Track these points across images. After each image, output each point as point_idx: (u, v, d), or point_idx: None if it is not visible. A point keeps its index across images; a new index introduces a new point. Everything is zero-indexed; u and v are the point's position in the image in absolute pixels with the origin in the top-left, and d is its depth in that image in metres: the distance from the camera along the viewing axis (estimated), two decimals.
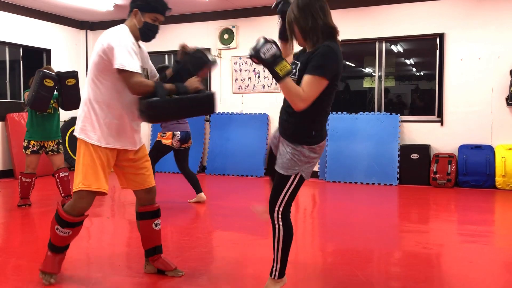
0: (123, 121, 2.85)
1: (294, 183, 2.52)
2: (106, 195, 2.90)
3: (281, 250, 2.59)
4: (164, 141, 5.46)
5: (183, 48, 3.14)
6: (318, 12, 2.38)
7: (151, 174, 3.05)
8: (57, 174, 5.37)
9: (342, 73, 2.47)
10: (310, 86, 2.32)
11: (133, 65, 2.72)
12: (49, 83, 4.87)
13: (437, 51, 7.37)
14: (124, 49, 2.72)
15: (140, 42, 3.01)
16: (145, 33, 2.95)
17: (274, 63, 2.29)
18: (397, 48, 8.12)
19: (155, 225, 3.07)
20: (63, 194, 5.39)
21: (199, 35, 8.84)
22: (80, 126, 2.84)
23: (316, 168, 7.97)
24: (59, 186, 5.37)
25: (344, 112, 7.82)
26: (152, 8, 2.89)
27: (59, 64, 8.61)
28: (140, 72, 2.76)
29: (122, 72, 2.70)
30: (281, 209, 2.56)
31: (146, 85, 2.75)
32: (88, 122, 2.83)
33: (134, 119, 2.90)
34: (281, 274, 2.65)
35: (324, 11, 2.40)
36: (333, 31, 2.41)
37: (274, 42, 2.34)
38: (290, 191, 2.54)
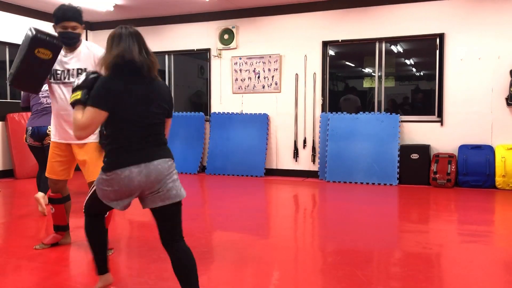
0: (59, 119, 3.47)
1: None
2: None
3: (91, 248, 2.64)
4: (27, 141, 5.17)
5: None
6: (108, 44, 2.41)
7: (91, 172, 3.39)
8: None
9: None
10: (85, 115, 2.29)
11: None
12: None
13: (437, 51, 7.37)
14: None
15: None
16: (63, 41, 3.38)
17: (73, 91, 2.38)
18: (397, 48, 8.12)
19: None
20: None
21: (199, 35, 8.84)
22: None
23: (316, 168, 7.98)
24: None
25: (344, 112, 7.82)
26: (58, 18, 3.36)
27: None
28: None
29: None
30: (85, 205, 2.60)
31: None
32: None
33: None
34: (99, 271, 2.67)
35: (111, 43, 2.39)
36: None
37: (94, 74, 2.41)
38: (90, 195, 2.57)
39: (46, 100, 5.08)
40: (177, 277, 2.38)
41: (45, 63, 3.27)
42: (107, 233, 2.68)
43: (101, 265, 2.67)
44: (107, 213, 2.79)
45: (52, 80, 3.45)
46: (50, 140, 4.88)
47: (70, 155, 3.53)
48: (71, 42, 3.40)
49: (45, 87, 5.11)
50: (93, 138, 3.30)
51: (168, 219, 2.43)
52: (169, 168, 2.39)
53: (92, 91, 2.30)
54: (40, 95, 5.12)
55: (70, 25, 3.33)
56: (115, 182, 2.32)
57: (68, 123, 3.38)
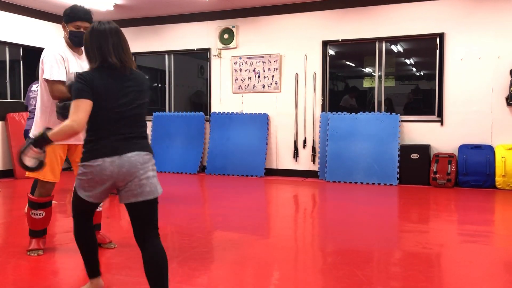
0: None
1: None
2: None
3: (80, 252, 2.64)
4: None
5: None
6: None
7: None
8: None
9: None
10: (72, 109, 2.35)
11: (55, 75, 3.30)
12: None
13: (437, 51, 7.37)
14: (48, 61, 3.36)
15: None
16: (73, 40, 3.43)
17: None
18: (397, 48, 8.12)
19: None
20: None
21: (199, 35, 8.84)
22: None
23: (316, 168, 7.98)
24: None
25: (344, 112, 7.82)
26: (71, 18, 3.40)
27: None
28: (62, 80, 3.26)
29: (46, 81, 3.33)
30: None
31: (62, 91, 3.22)
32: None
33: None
34: (90, 275, 2.67)
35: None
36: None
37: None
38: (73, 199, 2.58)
39: (35, 102, 5.01)
40: (146, 277, 2.36)
41: None
42: (95, 236, 2.67)
43: (91, 268, 2.65)
44: (95, 212, 2.76)
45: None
46: None
47: (64, 156, 3.59)
48: (82, 42, 3.32)
49: (36, 87, 5.13)
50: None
51: (141, 216, 2.39)
52: (144, 161, 2.37)
53: (72, 87, 2.38)
54: (31, 96, 5.10)
55: (83, 25, 3.39)
56: (89, 172, 2.36)
57: None
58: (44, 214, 3.50)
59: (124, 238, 4.20)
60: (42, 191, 3.50)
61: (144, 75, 2.58)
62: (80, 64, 3.44)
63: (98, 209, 3.52)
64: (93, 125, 2.37)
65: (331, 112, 7.92)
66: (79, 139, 3.21)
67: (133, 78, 2.45)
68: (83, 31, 3.34)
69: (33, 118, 4.93)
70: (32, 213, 3.47)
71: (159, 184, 2.43)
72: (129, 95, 2.40)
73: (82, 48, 3.35)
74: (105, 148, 2.34)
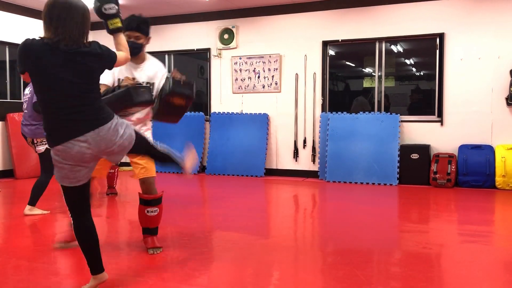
0: None
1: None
2: None
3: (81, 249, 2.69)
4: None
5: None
6: None
7: (145, 168, 3.49)
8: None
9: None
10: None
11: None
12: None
13: (437, 51, 7.37)
14: None
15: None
16: None
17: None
18: (397, 48, 8.12)
19: (147, 211, 3.54)
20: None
21: (199, 35, 8.84)
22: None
23: (316, 168, 7.98)
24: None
25: (344, 112, 7.82)
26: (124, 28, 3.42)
27: None
28: (103, 83, 3.25)
29: None
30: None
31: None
32: None
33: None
34: (92, 271, 2.71)
35: None
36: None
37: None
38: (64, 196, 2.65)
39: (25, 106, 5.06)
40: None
41: (177, 108, 3.45)
42: (95, 232, 2.69)
43: (93, 264, 2.67)
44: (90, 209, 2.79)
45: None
46: (37, 151, 4.98)
47: None
48: (133, 52, 3.41)
49: (27, 90, 5.09)
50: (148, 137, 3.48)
51: (139, 150, 2.85)
52: (113, 130, 2.52)
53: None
54: (23, 101, 5.10)
55: (134, 35, 3.49)
56: (62, 155, 2.47)
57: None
58: (158, 211, 3.58)
59: (124, 238, 4.20)
60: (143, 187, 3.60)
61: (95, 45, 2.74)
62: (132, 71, 3.50)
63: (149, 214, 3.56)
64: (42, 104, 2.57)
65: (331, 112, 7.92)
66: None
67: (81, 51, 2.65)
68: (133, 40, 3.46)
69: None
70: (148, 211, 3.54)
71: (131, 129, 2.70)
72: (72, 70, 2.57)
73: (146, 62, 3.60)
74: (69, 130, 2.53)
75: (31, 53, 2.47)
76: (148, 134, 3.60)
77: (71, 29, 2.50)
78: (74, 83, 2.45)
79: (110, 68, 2.73)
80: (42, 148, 4.92)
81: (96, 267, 2.68)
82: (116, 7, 2.78)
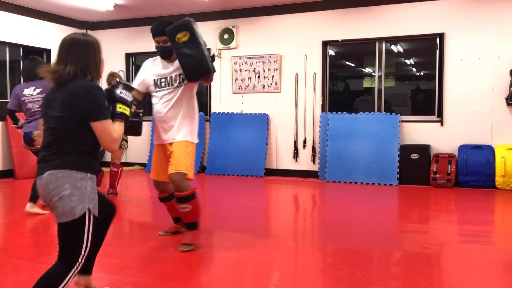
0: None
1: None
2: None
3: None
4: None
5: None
6: None
7: (172, 164, 3.58)
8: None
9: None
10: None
11: (134, 83, 3.78)
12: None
13: (437, 51, 7.37)
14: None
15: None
16: (159, 54, 3.76)
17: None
18: (397, 48, 8.12)
19: (179, 207, 3.65)
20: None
21: None
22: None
23: (316, 168, 7.98)
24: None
25: (344, 112, 7.82)
26: (152, 35, 3.70)
27: None
28: (133, 87, 3.42)
29: None
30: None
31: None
32: None
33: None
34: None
35: None
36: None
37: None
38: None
39: (33, 106, 5.05)
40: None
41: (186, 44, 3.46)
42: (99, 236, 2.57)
43: (85, 264, 2.38)
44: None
45: (156, 89, 3.73)
46: (38, 145, 4.99)
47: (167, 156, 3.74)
48: (165, 55, 3.69)
49: (29, 91, 5.09)
50: (181, 136, 3.63)
51: (58, 236, 2.22)
52: (56, 182, 2.14)
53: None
54: (26, 100, 5.07)
55: (161, 40, 3.62)
56: None
57: (161, 124, 3.72)
58: (190, 207, 3.60)
59: (124, 238, 4.20)
60: (156, 187, 3.90)
61: (83, 85, 2.25)
62: (164, 69, 3.71)
63: (181, 210, 3.68)
64: None
65: (331, 112, 7.92)
66: (172, 138, 3.65)
67: (68, 87, 2.24)
68: (162, 45, 3.63)
69: (32, 121, 4.99)
70: (179, 207, 3.66)
71: (78, 206, 2.14)
72: (56, 105, 2.23)
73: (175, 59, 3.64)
74: (38, 167, 2.29)
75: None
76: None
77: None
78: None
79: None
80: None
81: (86, 267, 2.55)
82: (131, 99, 2.47)
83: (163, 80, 3.70)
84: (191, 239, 3.68)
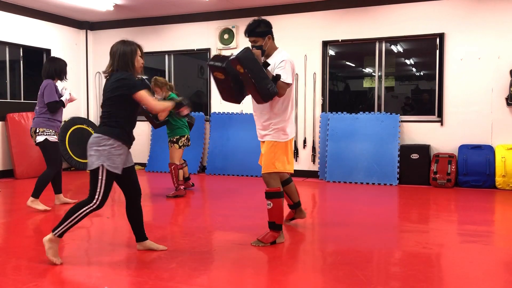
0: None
1: None
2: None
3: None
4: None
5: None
6: None
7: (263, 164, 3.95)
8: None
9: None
10: None
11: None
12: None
13: (437, 51, 7.37)
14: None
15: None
16: None
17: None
18: (397, 48, 8.12)
19: (267, 203, 3.86)
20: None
21: (199, 35, 8.84)
22: None
23: (316, 168, 7.98)
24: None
25: (344, 112, 7.82)
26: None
27: None
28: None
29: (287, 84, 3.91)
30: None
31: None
32: None
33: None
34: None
35: None
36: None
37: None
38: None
39: (38, 104, 5.24)
40: None
41: (223, 82, 3.86)
42: (135, 213, 3.52)
43: (135, 235, 3.63)
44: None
45: None
46: (36, 140, 5.10)
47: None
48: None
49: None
50: (269, 137, 4.00)
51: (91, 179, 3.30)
52: (92, 141, 3.26)
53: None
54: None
55: (251, 40, 3.88)
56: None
57: (256, 122, 4.15)
58: (271, 205, 3.83)
59: (124, 238, 4.20)
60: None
61: (117, 75, 3.31)
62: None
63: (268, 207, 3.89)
64: None
65: (331, 112, 7.92)
66: (262, 137, 4.06)
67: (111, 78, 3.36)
68: (253, 45, 3.86)
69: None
70: (267, 203, 3.87)
71: (98, 160, 3.21)
72: (105, 92, 3.37)
73: (272, 58, 3.89)
74: None
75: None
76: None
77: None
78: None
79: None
80: (41, 138, 5.06)
81: (137, 236, 3.61)
82: (187, 111, 3.62)
83: None
84: (264, 237, 3.84)
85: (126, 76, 3.27)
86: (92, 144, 3.23)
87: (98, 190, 3.21)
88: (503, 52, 6.94)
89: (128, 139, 3.35)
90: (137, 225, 3.57)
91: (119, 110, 3.28)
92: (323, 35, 7.96)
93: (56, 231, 3.25)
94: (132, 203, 3.51)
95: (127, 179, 3.43)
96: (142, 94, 3.27)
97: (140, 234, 3.60)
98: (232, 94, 3.94)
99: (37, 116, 5.15)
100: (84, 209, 3.23)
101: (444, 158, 7.03)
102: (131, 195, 3.50)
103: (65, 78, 5.38)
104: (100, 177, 3.20)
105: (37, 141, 5.08)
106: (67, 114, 8.13)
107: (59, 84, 5.39)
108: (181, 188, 6.13)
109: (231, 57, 3.61)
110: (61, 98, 5.22)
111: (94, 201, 3.23)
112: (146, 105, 3.36)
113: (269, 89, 3.58)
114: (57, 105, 5.16)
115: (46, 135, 5.06)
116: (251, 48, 3.72)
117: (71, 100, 5.31)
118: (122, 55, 3.31)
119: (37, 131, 5.07)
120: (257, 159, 8.09)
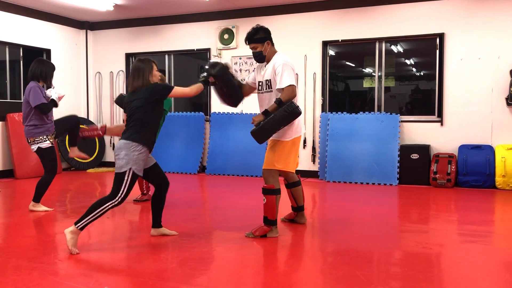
0: None
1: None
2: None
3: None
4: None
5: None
6: None
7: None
8: None
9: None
10: None
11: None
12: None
13: (437, 51, 7.37)
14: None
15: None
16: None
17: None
18: (397, 48, 8.12)
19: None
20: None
21: (199, 35, 8.84)
22: None
23: (316, 168, 7.97)
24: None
25: (344, 112, 7.82)
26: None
27: (59, 64, 8.61)
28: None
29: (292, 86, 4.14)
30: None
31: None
32: None
33: None
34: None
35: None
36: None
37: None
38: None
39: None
40: None
41: (216, 85, 4.26)
42: (157, 201, 3.98)
43: (153, 220, 4.05)
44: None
45: (257, 90, 4.37)
46: (32, 149, 5.04)
47: None
48: (257, 60, 4.23)
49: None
50: (274, 135, 4.07)
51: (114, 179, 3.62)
52: (119, 146, 3.58)
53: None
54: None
55: (251, 47, 4.15)
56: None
57: None
58: (265, 200, 4.14)
59: (124, 238, 4.20)
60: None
61: (145, 87, 3.68)
62: (260, 71, 4.26)
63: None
64: None
65: (331, 112, 7.92)
66: (277, 136, 4.08)
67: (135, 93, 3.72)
68: (253, 51, 4.17)
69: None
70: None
71: (125, 166, 3.53)
72: (129, 99, 3.73)
73: (270, 61, 4.14)
74: None
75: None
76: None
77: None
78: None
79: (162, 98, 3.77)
80: (34, 147, 5.00)
81: (154, 222, 4.02)
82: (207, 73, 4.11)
83: (259, 83, 4.25)
84: (257, 230, 4.03)
85: (153, 84, 3.70)
86: (122, 149, 3.54)
87: (122, 189, 3.53)
88: (503, 52, 6.94)
89: (152, 144, 3.72)
90: (158, 212, 3.98)
91: (150, 116, 3.63)
92: (323, 35, 7.96)
93: (78, 224, 3.49)
94: (161, 193, 3.93)
95: (154, 174, 3.86)
96: (176, 89, 3.78)
97: (157, 221, 4.01)
98: (226, 98, 4.33)
99: (25, 125, 5.01)
100: (107, 204, 3.52)
101: (444, 158, 7.03)
102: (161, 186, 3.92)
103: (51, 83, 5.14)
104: (126, 178, 3.53)
105: (32, 150, 5.06)
106: (66, 114, 8.11)
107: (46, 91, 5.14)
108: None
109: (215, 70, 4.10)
110: (52, 98, 5.03)
111: (117, 198, 3.53)
112: (183, 95, 3.97)
113: (294, 109, 3.90)
114: (50, 106, 5.01)
115: (38, 143, 4.96)
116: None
117: (60, 97, 5.13)
118: (143, 71, 3.71)
119: (29, 141, 5.01)
120: (257, 159, 8.15)
